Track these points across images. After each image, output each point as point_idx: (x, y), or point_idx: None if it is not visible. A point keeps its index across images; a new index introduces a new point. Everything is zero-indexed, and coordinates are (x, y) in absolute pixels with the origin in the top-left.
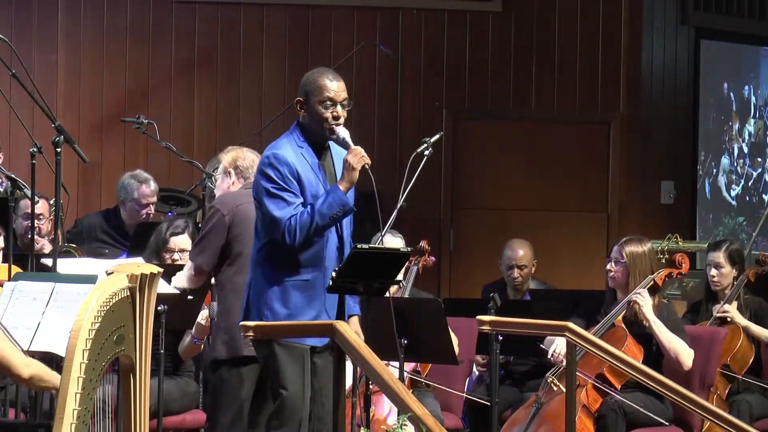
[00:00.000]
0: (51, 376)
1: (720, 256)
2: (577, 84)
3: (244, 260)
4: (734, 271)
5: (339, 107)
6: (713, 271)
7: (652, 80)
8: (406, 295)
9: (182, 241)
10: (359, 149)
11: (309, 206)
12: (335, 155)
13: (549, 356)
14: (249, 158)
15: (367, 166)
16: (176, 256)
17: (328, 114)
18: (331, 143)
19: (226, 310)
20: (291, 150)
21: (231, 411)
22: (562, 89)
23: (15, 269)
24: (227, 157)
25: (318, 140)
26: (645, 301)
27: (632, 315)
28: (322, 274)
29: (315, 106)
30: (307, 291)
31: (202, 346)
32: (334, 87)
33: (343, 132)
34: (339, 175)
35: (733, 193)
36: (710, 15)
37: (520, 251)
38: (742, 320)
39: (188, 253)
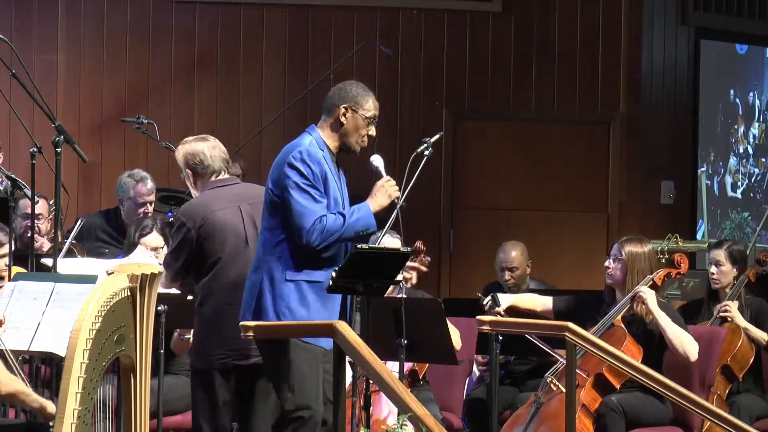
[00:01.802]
0: (33, 401)
1: (721, 254)
2: (577, 84)
3: (221, 267)
4: (735, 270)
5: (372, 128)
6: (713, 269)
7: (652, 80)
8: (403, 295)
9: (152, 240)
10: (393, 180)
11: (340, 215)
12: (341, 171)
13: (485, 303)
14: (198, 151)
15: (396, 201)
16: (150, 254)
17: (365, 131)
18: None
19: (201, 322)
20: (318, 150)
21: (213, 418)
22: (562, 89)
23: (17, 269)
24: (179, 157)
25: (342, 146)
26: (649, 295)
27: (630, 315)
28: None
29: (360, 120)
30: (321, 292)
31: (191, 340)
32: (377, 108)
33: (377, 161)
34: (344, 188)
35: (739, 191)
36: (710, 15)
37: (511, 253)
38: (742, 321)
39: (161, 250)
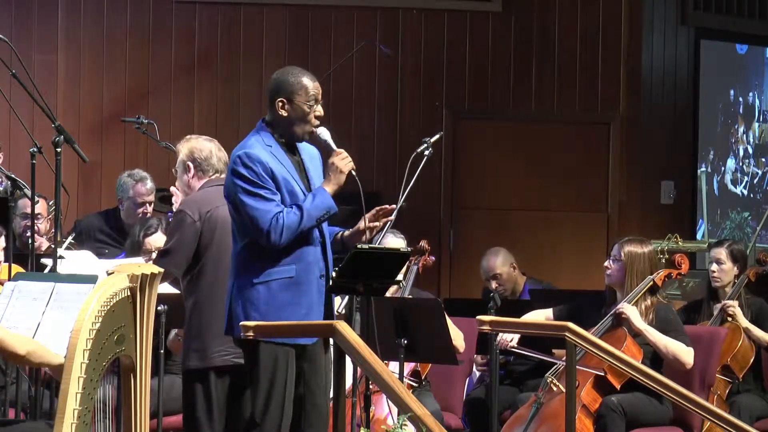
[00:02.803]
0: (47, 353)
1: (722, 252)
2: (577, 84)
3: (217, 266)
4: (735, 269)
5: (319, 106)
6: (714, 267)
7: (652, 80)
8: (407, 295)
9: (156, 240)
10: (344, 152)
11: (295, 206)
12: (303, 153)
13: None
14: (206, 148)
15: (353, 172)
16: (154, 255)
17: (312, 113)
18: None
19: (198, 319)
20: (262, 148)
21: (213, 419)
22: (562, 89)
23: (17, 269)
24: (184, 149)
25: (289, 139)
26: (631, 313)
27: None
28: (305, 270)
29: (301, 106)
30: (291, 288)
31: None
32: (316, 86)
33: (324, 134)
34: (310, 173)
35: (739, 190)
36: (710, 15)
37: (491, 261)
38: (744, 321)
39: None
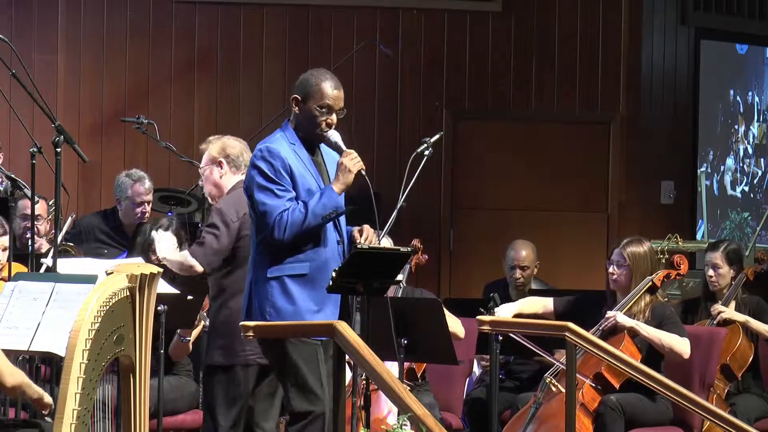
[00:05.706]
0: (34, 389)
1: (717, 257)
2: (577, 84)
3: (246, 267)
4: (732, 271)
5: (334, 115)
6: (711, 272)
7: (652, 80)
8: (400, 294)
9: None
10: (354, 153)
11: (302, 203)
12: (325, 154)
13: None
14: (237, 146)
15: (363, 171)
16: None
17: (322, 119)
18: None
19: (228, 315)
20: (285, 145)
21: (231, 414)
22: (562, 89)
23: (21, 268)
24: (215, 146)
25: (309, 138)
26: (616, 316)
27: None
28: (322, 268)
29: (311, 108)
30: (306, 285)
31: (190, 345)
32: (334, 95)
33: (334, 136)
34: (330, 173)
35: (738, 190)
36: (710, 15)
37: (523, 252)
38: (740, 316)
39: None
